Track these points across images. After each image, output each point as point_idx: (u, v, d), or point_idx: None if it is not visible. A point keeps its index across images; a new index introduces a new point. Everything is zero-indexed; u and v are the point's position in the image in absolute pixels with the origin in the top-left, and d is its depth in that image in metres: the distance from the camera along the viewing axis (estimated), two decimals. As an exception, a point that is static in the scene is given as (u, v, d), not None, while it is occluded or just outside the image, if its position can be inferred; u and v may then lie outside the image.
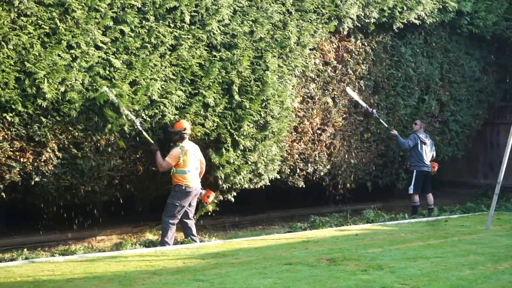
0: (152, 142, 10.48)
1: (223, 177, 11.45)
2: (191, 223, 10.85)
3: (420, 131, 13.96)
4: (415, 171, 13.87)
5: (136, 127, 10.30)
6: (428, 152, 13.92)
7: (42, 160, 9.87)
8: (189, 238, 10.80)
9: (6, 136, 9.50)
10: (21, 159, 9.69)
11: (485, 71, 16.09)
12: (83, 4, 9.87)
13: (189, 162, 10.49)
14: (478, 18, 15.17)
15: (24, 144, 9.67)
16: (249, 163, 11.73)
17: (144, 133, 10.37)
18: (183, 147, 10.45)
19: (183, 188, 10.49)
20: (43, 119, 9.69)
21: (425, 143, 13.84)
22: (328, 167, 13.45)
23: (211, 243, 10.69)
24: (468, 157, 16.74)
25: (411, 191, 13.88)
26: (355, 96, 13.29)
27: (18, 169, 9.72)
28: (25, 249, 10.48)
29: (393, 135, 13.92)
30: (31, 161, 9.77)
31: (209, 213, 11.69)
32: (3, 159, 9.55)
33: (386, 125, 13.82)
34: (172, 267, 8.58)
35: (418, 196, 13.93)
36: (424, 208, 14.19)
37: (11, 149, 9.59)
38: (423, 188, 13.99)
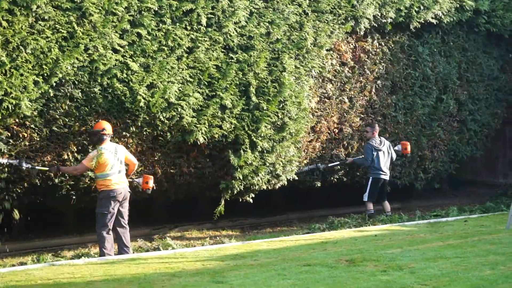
0: (47, 168, 9.93)
1: (241, 178, 11.46)
2: (123, 231, 10.05)
3: (373, 138, 13.11)
4: (371, 178, 13.11)
5: (25, 168, 9.82)
6: (385, 158, 13.11)
7: (61, 161, 9.98)
8: (121, 251, 10.02)
9: (25, 136, 9.64)
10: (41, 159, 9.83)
11: (504, 69, 15.98)
12: (100, 8, 9.93)
13: (108, 165, 9.78)
14: (495, 17, 15.09)
15: (44, 144, 9.78)
16: (267, 164, 11.73)
17: (37, 167, 9.89)
18: (100, 149, 9.76)
19: (107, 193, 9.80)
20: (65, 119, 9.84)
21: (380, 150, 13.02)
22: (346, 167, 13.44)
23: (230, 245, 10.68)
24: (487, 156, 16.63)
25: (365, 198, 13.11)
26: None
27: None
28: (45, 252, 10.55)
29: (349, 163, 13.35)
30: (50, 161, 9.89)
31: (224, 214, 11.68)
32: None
33: (338, 162, 13.23)
34: (191, 269, 8.59)
35: (373, 204, 13.18)
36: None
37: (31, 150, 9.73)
38: (379, 195, 13.29)
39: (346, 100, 13.18)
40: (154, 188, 10.61)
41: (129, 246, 10.09)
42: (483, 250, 9.31)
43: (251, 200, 12.04)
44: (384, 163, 13.11)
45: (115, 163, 9.85)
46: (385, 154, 13.13)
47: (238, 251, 9.92)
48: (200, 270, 8.52)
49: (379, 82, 13.67)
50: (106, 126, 9.87)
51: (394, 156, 13.39)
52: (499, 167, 17.13)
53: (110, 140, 9.99)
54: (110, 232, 9.88)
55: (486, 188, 16.59)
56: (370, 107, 13.64)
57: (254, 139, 11.43)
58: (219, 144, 11.27)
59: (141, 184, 10.44)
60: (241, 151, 11.35)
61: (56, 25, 9.61)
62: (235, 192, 11.65)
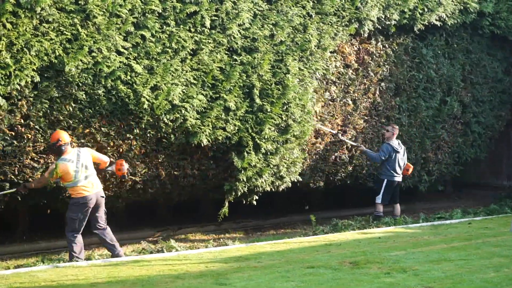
0: (15, 189, 9.76)
1: (245, 180, 11.46)
2: (102, 232, 9.96)
3: (392, 139, 13.02)
4: (385, 180, 12.95)
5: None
6: (401, 161, 13.03)
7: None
8: (108, 248, 10.08)
9: (29, 137, 9.69)
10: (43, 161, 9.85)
11: (508, 71, 15.95)
12: (104, 10, 9.95)
13: (71, 175, 9.56)
14: (500, 19, 15.07)
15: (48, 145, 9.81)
16: (271, 166, 11.73)
17: (1, 192, 9.76)
18: (58, 163, 9.52)
19: (78, 200, 9.67)
20: (69, 121, 9.88)
21: (398, 152, 12.93)
22: (350, 169, 13.43)
23: (233, 247, 10.68)
24: (491, 158, 16.60)
25: (378, 200, 12.97)
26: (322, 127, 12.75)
27: (42, 170, 9.85)
28: (49, 254, 10.56)
29: (361, 150, 13.19)
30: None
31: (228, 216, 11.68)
32: (26, 160, 9.70)
33: (353, 143, 13.15)
34: (195, 271, 8.59)
35: (383, 206, 13.06)
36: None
37: (34, 151, 9.74)
38: (392, 198, 13.13)
39: (350, 102, 13.17)
40: (129, 171, 10.44)
41: (115, 242, 10.02)
42: (487, 253, 9.31)
43: (254, 202, 12.04)
44: (399, 166, 13.02)
45: (79, 170, 9.62)
46: (401, 157, 13.05)
47: (242, 253, 9.93)
48: (204, 272, 8.53)
49: (383, 84, 13.66)
50: (61, 136, 9.58)
51: (406, 160, 13.30)
52: (503, 169, 17.09)
53: (73, 146, 9.82)
54: (79, 236, 9.77)
55: (490, 190, 16.57)
56: (374, 109, 13.63)
57: (258, 141, 11.43)
58: (222, 146, 11.28)
59: (115, 172, 10.15)
60: (245, 153, 11.35)
61: (60, 27, 9.62)
62: (239, 194, 11.65)
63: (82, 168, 9.66)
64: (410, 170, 13.42)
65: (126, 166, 10.16)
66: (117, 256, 9.91)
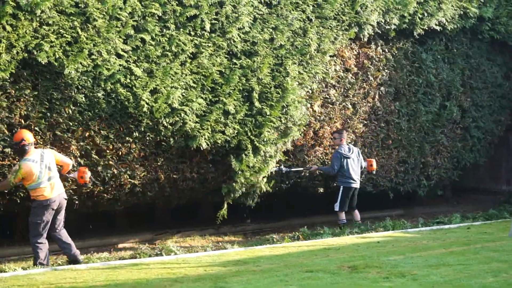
0: None
1: (243, 181, 11.47)
2: (58, 233, 9.74)
3: (342, 144, 12.63)
4: (342, 187, 12.65)
5: None
6: (354, 166, 12.66)
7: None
8: (67, 249, 9.79)
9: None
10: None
11: (507, 76, 15.96)
12: (104, 13, 9.96)
13: (35, 176, 9.33)
14: (499, 24, 15.09)
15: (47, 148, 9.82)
16: (270, 167, 11.77)
17: None
18: (21, 163, 9.31)
19: (41, 202, 9.43)
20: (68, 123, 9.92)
21: (348, 157, 12.57)
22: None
23: (232, 251, 10.68)
24: (490, 163, 16.60)
25: (336, 208, 12.68)
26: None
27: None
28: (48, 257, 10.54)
29: (314, 170, 12.82)
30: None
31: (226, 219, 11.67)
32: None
33: (301, 168, 12.68)
34: (193, 275, 8.58)
35: (345, 213, 12.77)
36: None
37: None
38: (350, 204, 12.81)
39: (350, 106, 13.18)
40: (92, 180, 10.23)
41: (69, 242, 9.77)
42: (486, 258, 9.30)
43: (253, 204, 12.05)
44: (354, 171, 12.70)
45: (42, 171, 9.40)
46: (355, 161, 12.71)
47: (241, 257, 9.92)
48: (202, 275, 8.52)
49: (382, 88, 13.67)
50: (25, 136, 9.35)
51: (364, 164, 13.00)
52: (502, 174, 17.08)
53: (36, 147, 9.59)
54: (44, 241, 9.53)
55: (489, 195, 16.56)
56: (373, 114, 13.64)
57: (257, 144, 11.45)
58: (222, 150, 11.28)
59: (77, 179, 9.93)
60: (243, 155, 11.36)
61: (60, 30, 9.63)
62: (237, 195, 11.65)
63: (45, 169, 9.43)
64: (374, 165, 13.08)
65: (88, 174, 9.96)
66: (73, 257, 9.72)
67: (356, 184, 12.80)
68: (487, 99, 15.50)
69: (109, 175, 10.41)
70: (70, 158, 9.99)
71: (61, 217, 9.74)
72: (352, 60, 13.15)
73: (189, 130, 10.76)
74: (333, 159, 12.63)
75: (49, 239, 9.70)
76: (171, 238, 12.14)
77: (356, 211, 13.00)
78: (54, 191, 9.53)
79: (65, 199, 9.76)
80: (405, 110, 14.08)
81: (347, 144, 12.76)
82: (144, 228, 12.57)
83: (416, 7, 13.55)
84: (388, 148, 13.95)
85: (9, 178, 9.42)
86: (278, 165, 12.24)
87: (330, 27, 12.45)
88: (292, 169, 12.57)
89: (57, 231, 9.74)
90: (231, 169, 11.39)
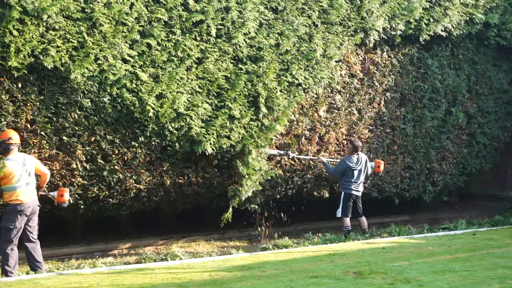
0: None
1: (248, 184, 11.48)
2: (33, 246, 9.46)
3: (351, 155, 12.53)
4: (343, 192, 12.55)
5: None
6: (360, 176, 12.56)
7: (69, 169, 10.01)
8: (33, 266, 9.43)
9: (35, 143, 9.75)
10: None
11: (513, 82, 15.97)
12: (110, 18, 9.99)
13: (15, 177, 9.15)
14: (505, 30, 15.08)
15: (53, 153, 9.82)
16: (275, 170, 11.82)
17: None
18: (4, 161, 9.15)
19: (14, 207, 9.18)
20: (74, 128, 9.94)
21: (354, 169, 12.45)
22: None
23: (237, 256, 10.67)
24: (496, 169, 16.55)
25: (339, 214, 12.59)
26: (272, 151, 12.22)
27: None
28: (53, 261, 10.55)
29: (320, 162, 12.70)
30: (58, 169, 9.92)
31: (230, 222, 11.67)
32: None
33: (310, 157, 12.64)
34: (199, 280, 8.58)
35: (349, 219, 12.60)
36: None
37: (40, 158, 9.77)
38: (354, 211, 12.67)
39: (355, 111, 13.18)
40: (71, 201, 10.11)
41: (40, 261, 9.50)
42: (492, 264, 9.27)
43: (258, 209, 12.06)
44: (358, 180, 12.59)
45: (22, 175, 9.23)
46: (361, 172, 12.59)
47: (246, 262, 9.92)
48: (207, 281, 8.52)
49: (388, 94, 13.67)
50: (13, 136, 9.22)
51: (370, 171, 12.91)
52: (508, 180, 17.04)
53: (19, 150, 9.47)
54: (15, 248, 9.27)
55: (495, 201, 16.51)
56: (379, 119, 13.63)
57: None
58: (227, 154, 11.29)
59: (56, 198, 9.80)
60: (249, 159, 11.36)
61: (67, 35, 9.66)
62: (243, 199, 11.65)
63: (25, 174, 9.26)
64: (382, 167, 13.03)
65: (68, 195, 9.84)
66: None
67: (358, 192, 12.72)
68: (493, 105, 15.48)
69: (114, 179, 10.42)
70: (76, 163, 10.01)
71: (34, 224, 9.49)
72: (357, 66, 13.16)
73: (195, 135, 10.77)
74: (338, 166, 12.58)
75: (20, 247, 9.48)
76: (176, 243, 12.14)
77: (364, 219, 12.88)
78: (29, 197, 9.32)
79: (38, 205, 9.53)
80: (410, 115, 14.06)
81: (357, 154, 12.57)
82: (149, 233, 12.57)
83: (422, 13, 13.55)
84: (393, 154, 13.94)
85: None
86: (286, 149, 12.23)
87: (335, 33, 12.46)
88: (300, 156, 12.52)
89: (33, 242, 9.48)
90: (237, 174, 11.39)
